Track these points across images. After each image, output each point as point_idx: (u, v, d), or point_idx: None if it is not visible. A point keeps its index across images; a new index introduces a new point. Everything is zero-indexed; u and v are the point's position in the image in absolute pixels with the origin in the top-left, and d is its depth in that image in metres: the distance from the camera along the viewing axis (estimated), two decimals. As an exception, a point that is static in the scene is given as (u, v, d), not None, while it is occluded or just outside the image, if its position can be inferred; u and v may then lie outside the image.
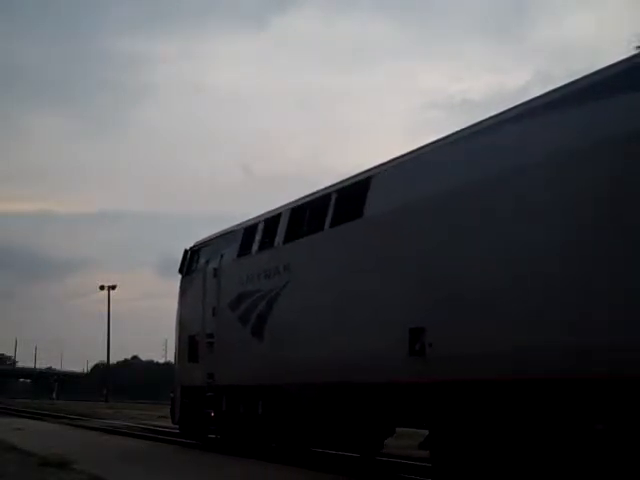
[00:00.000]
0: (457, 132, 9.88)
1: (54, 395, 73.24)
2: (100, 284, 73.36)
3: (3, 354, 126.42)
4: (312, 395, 12.46)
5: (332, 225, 11.77)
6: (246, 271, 14.14)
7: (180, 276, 17.09)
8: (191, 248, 16.88)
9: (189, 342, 16.27)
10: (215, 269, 15.33)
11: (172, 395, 17.51)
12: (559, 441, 8.14)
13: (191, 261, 16.71)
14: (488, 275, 8.74)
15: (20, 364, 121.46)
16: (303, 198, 13.17)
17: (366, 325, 10.74)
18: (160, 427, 22.81)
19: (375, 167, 11.38)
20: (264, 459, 12.98)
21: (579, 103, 8.18)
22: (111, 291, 72.31)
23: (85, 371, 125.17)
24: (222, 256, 15.19)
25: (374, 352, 10.51)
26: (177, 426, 17.28)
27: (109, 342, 74.29)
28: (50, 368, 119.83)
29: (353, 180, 11.72)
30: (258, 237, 13.97)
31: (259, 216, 14.44)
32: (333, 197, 11.95)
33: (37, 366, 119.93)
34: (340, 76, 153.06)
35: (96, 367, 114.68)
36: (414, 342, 9.72)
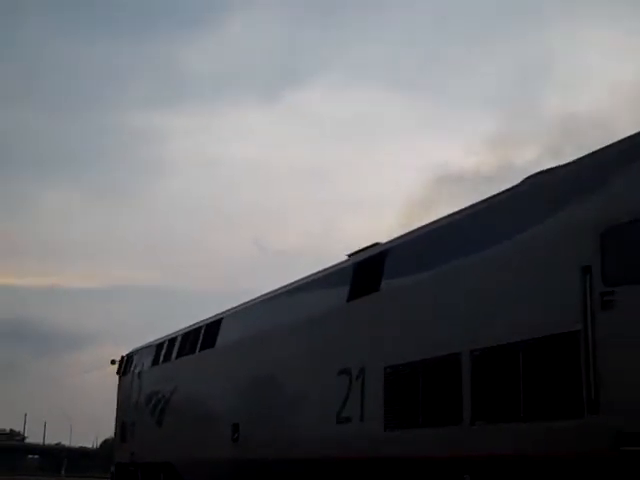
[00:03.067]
0: (254, 299, 15.37)
1: (63, 472, 74.38)
2: (111, 358, 75.75)
3: (12, 429, 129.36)
4: (186, 468, 17.49)
5: (200, 350, 17.05)
6: (155, 376, 19.38)
7: (117, 376, 22.34)
8: (127, 355, 22.14)
9: (121, 427, 21.41)
10: (139, 373, 20.59)
11: (112, 469, 22.54)
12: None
13: (126, 365, 21.98)
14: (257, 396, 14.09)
15: (29, 439, 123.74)
16: (193, 325, 18.41)
17: (211, 421, 15.91)
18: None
19: (226, 310, 16.70)
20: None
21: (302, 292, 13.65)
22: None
23: (95, 446, 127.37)
24: (143, 364, 20.46)
25: (215, 439, 15.61)
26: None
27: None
28: (59, 443, 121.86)
29: (214, 319, 17.01)
30: (163, 352, 19.24)
31: (167, 335, 19.70)
32: (203, 329, 17.24)
33: (46, 441, 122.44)
34: (353, 150, 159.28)
35: (105, 442, 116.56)
36: (234, 433, 14.85)
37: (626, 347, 7.39)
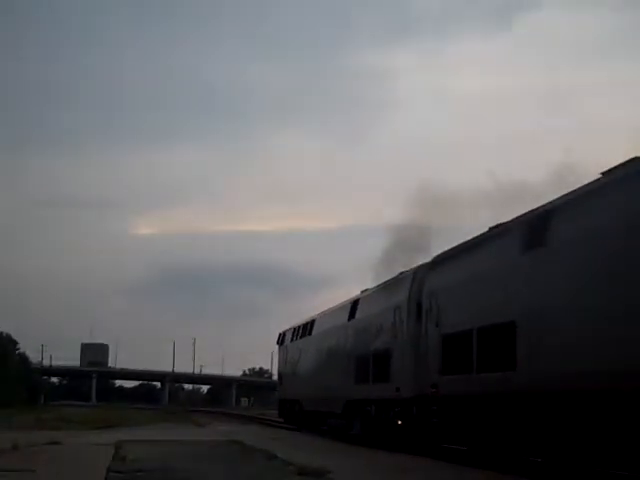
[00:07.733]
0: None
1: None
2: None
3: (261, 367, 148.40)
4: (305, 401, 29.92)
5: (308, 335, 29.32)
6: (292, 348, 32.13)
7: (277, 345, 35.44)
8: (283, 331, 35.02)
9: (280, 376, 34.69)
10: (285, 345, 33.54)
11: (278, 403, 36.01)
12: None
13: (282, 339, 34.88)
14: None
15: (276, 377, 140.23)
16: (305, 320, 30.63)
17: (312, 376, 28.19)
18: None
19: (319, 313, 28.84)
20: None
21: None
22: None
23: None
24: (287, 339, 33.32)
25: (313, 388, 27.87)
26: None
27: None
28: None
29: (310, 319, 29.16)
30: (294, 334, 31.86)
31: (307, 319, 32.03)
32: (308, 324, 29.49)
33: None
34: (590, 71, 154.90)
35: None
36: (318, 385, 27.07)
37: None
